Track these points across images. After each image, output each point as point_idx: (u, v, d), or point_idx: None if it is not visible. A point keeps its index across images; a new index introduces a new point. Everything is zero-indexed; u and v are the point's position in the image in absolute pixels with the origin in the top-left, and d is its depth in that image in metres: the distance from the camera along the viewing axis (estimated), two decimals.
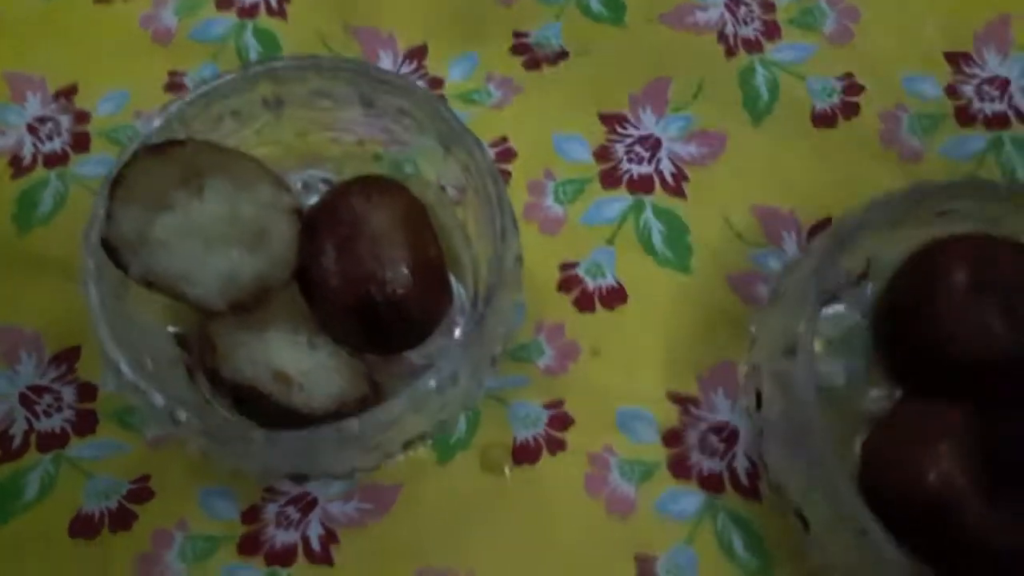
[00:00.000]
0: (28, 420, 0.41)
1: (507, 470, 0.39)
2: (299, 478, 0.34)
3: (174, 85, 0.46)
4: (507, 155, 0.45)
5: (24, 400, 0.41)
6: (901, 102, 0.45)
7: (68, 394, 0.41)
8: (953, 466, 0.31)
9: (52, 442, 0.40)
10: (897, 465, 0.32)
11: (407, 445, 0.35)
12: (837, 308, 0.38)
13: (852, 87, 0.46)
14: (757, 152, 0.44)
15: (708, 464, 0.39)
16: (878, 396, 0.38)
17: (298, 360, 0.36)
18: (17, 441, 0.40)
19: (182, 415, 0.32)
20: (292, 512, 0.39)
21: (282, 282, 0.36)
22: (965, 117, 0.45)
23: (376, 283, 0.35)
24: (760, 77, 0.46)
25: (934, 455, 0.31)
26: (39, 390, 0.41)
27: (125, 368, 0.33)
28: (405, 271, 0.36)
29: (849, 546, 0.31)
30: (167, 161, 0.34)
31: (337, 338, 0.37)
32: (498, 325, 0.35)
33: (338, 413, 0.34)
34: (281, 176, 0.36)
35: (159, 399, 0.32)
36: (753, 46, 0.46)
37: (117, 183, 0.34)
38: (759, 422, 0.35)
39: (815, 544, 0.33)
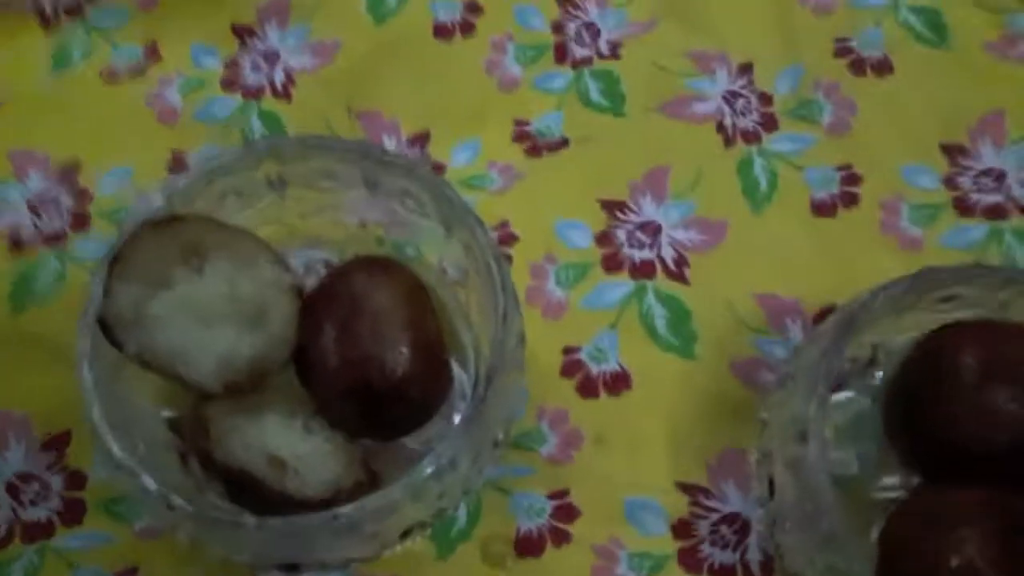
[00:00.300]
0: (13, 509, 0.39)
1: (509, 563, 0.38)
2: (291, 568, 0.33)
3: (177, 164, 0.47)
4: (509, 239, 0.45)
5: (11, 489, 0.40)
6: (900, 192, 0.45)
7: (56, 482, 0.40)
8: (974, 552, 0.30)
9: (37, 532, 0.39)
10: (916, 553, 0.31)
11: (405, 534, 0.34)
12: (846, 394, 0.38)
13: (851, 177, 0.46)
14: (758, 239, 0.44)
15: (720, 557, 0.38)
16: (891, 484, 0.37)
17: (293, 445, 0.35)
18: (1, 531, 0.39)
19: (174, 500, 0.31)
20: None
21: (280, 363, 0.35)
22: (964, 207, 0.45)
23: (375, 364, 0.35)
24: (759, 167, 0.46)
25: (954, 541, 0.30)
26: (27, 478, 0.40)
27: (118, 451, 0.32)
28: (405, 352, 0.35)
29: None
30: (168, 237, 0.34)
31: (334, 422, 0.36)
32: (500, 408, 0.35)
33: (333, 500, 0.33)
34: (282, 255, 0.36)
35: (151, 483, 0.31)
36: (751, 137, 0.47)
37: (117, 260, 0.33)
38: (772, 511, 0.34)
39: None
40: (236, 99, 0.49)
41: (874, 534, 0.35)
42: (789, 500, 0.32)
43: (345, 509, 0.31)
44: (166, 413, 0.38)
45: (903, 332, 0.38)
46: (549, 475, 0.39)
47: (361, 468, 0.35)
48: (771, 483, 0.34)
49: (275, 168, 0.38)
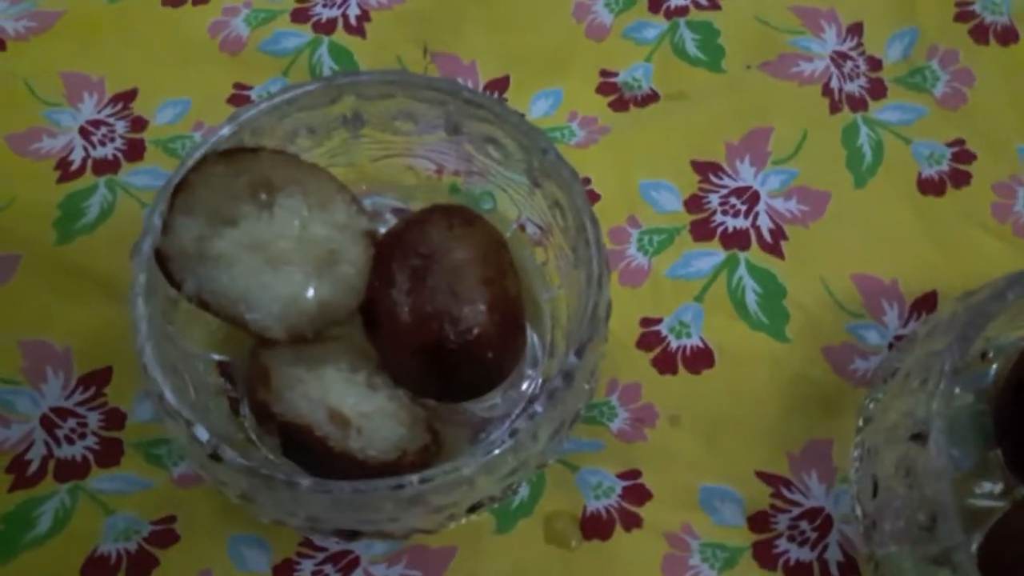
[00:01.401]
0: (48, 445, 0.37)
1: (575, 544, 0.35)
2: (348, 535, 0.31)
3: (239, 98, 0.44)
4: (589, 199, 0.41)
5: (46, 423, 0.37)
6: (1016, 174, 0.42)
7: (93, 420, 0.38)
8: None
9: (72, 471, 0.37)
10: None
11: (472, 509, 0.31)
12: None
13: (962, 154, 0.42)
14: (859, 215, 0.41)
15: (797, 554, 0.35)
16: (991, 491, 0.34)
17: (357, 401, 0.32)
18: (34, 467, 0.37)
19: (227, 453, 0.28)
20: (330, 572, 0.35)
21: (348, 312, 0.33)
22: None
23: (450, 320, 0.32)
24: (864, 136, 0.43)
25: None
26: (63, 413, 0.38)
27: (168, 394, 0.29)
28: (483, 310, 0.32)
29: None
30: (236, 170, 0.31)
31: (399, 380, 0.34)
32: (584, 380, 0.32)
33: (397, 463, 0.31)
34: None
35: (203, 432, 0.29)
36: (857, 103, 0.43)
37: (180, 190, 0.31)
38: (872, 513, 0.31)
39: None
40: (306, 32, 0.46)
41: (973, 545, 0.32)
42: (896, 505, 0.29)
43: (413, 479, 0.28)
44: (218, 357, 0.35)
45: (1016, 329, 0.35)
46: (619, 453, 0.37)
47: (427, 431, 0.33)
48: (875, 484, 0.31)
49: (353, 105, 0.35)
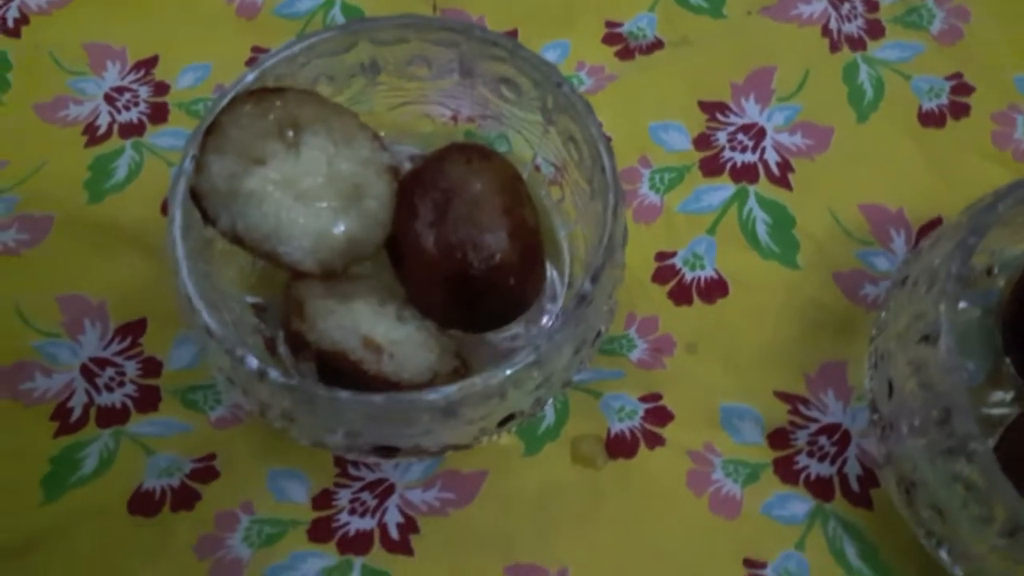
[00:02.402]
0: (88, 393, 0.38)
1: (600, 462, 0.36)
2: (386, 451, 0.32)
3: (257, 60, 0.45)
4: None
5: (85, 372, 0.39)
6: (1014, 102, 0.43)
7: (131, 369, 0.39)
8: None
9: (112, 417, 0.38)
10: None
11: (503, 422, 0.32)
12: (959, 304, 0.36)
13: (961, 87, 0.44)
14: (863, 148, 0.42)
15: (817, 468, 0.36)
16: (1002, 399, 0.35)
17: (387, 330, 0.34)
18: (76, 414, 0.38)
19: (272, 373, 0.30)
20: (367, 498, 0.36)
21: (375, 245, 0.34)
22: None
23: (473, 248, 0.33)
24: (864, 74, 0.44)
25: None
26: (101, 363, 0.39)
27: (214, 324, 0.31)
28: (503, 238, 0.34)
29: (997, 544, 0.28)
30: (264, 110, 0.32)
31: (425, 312, 0.35)
32: (603, 302, 0.33)
33: (429, 385, 0.32)
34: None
35: (251, 358, 0.30)
36: (856, 43, 0.45)
37: (211, 130, 0.32)
38: (888, 415, 0.32)
39: (955, 541, 0.30)
40: None
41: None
42: (912, 404, 0.31)
43: (448, 388, 0.29)
44: (251, 299, 0.36)
45: (1022, 243, 0.36)
46: (640, 379, 0.38)
47: (456, 357, 0.34)
48: (890, 387, 0.32)
49: (369, 51, 0.36)
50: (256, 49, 0.46)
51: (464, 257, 0.33)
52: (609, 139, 0.42)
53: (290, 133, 0.33)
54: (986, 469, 0.28)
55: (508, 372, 0.30)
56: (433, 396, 0.30)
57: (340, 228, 0.33)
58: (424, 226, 0.34)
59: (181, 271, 0.32)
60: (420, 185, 0.35)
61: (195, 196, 0.32)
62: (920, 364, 0.30)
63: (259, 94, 0.33)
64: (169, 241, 0.32)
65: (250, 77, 0.35)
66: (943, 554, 0.31)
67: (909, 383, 0.31)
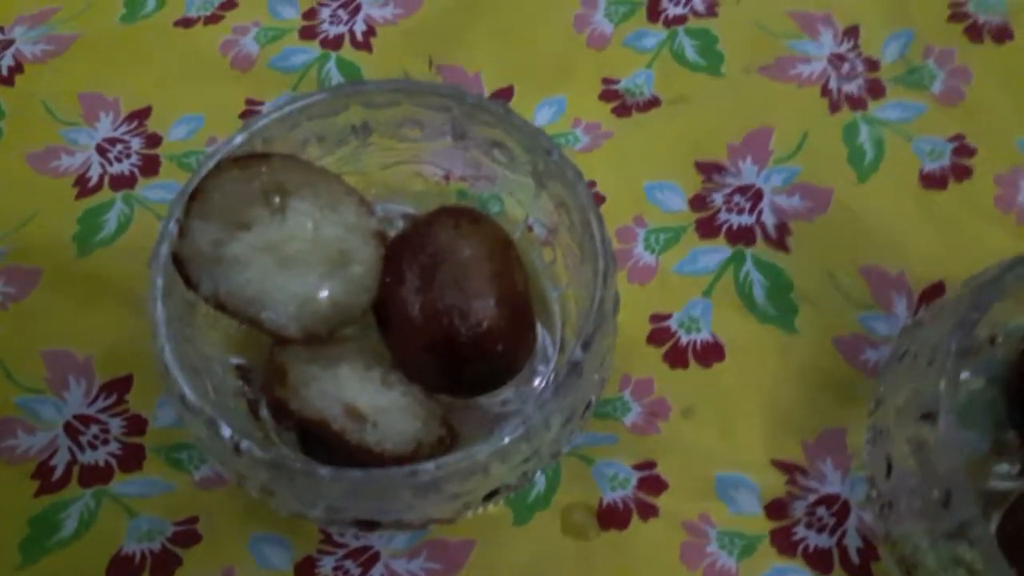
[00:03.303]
0: (71, 451, 0.38)
1: (592, 534, 0.35)
2: (367, 525, 0.31)
3: (250, 114, 0.45)
4: (595, 200, 0.42)
5: (69, 430, 0.38)
6: (1017, 165, 0.42)
7: (115, 426, 0.38)
8: None
9: (95, 476, 0.37)
10: None
11: (488, 497, 0.32)
12: (962, 374, 0.35)
13: (963, 149, 0.43)
14: (863, 210, 0.42)
15: (816, 540, 0.35)
16: (1007, 471, 0.34)
17: (372, 397, 0.33)
18: (58, 472, 0.37)
19: (246, 445, 0.29)
20: (351, 567, 0.35)
21: (361, 310, 0.33)
22: None
23: (459, 316, 0.33)
24: (864, 134, 0.43)
25: None
26: (86, 420, 0.38)
27: (189, 393, 0.30)
28: (491, 304, 0.33)
29: None
30: (249, 175, 0.32)
31: (413, 377, 0.34)
32: (594, 371, 0.32)
33: (414, 456, 0.31)
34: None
35: (225, 428, 0.29)
36: (857, 103, 0.44)
37: (195, 195, 0.32)
38: (887, 494, 0.31)
39: None
40: (314, 48, 0.47)
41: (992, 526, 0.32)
42: (910, 484, 0.30)
43: (429, 465, 0.29)
44: (236, 360, 0.36)
45: None
46: (634, 445, 0.37)
47: (442, 425, 0.33)
48: (888, 465, 0.31)
49: (361, 113, 0.36)
50: (250, 101, 0.45)
51: (451, 324, 0.33)
52: (599, 206, 0.42)
53: (276, 199, 0.32)
54: (987, 554, 0.27)
55: (493, 447, 0.29)
56: (414, 473, 0.29)
57: (324, 294, 0.33)
58: (410, 292, 0.33)
59: (159, 336, 0.31)
60: (408, 250, 0.34)
61: (177, 261, 0.31)
62: (919, 443, 0.30)
63: (244, 159, 0.32)
64: (149, 305, 0.32)
65: (238, 139, 0.34)
66: None
67: (908, 462, 0.30)
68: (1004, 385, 0.35)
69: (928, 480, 0.29)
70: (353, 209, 0.33)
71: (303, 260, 0.32)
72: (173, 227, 0.32)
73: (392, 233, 0.37)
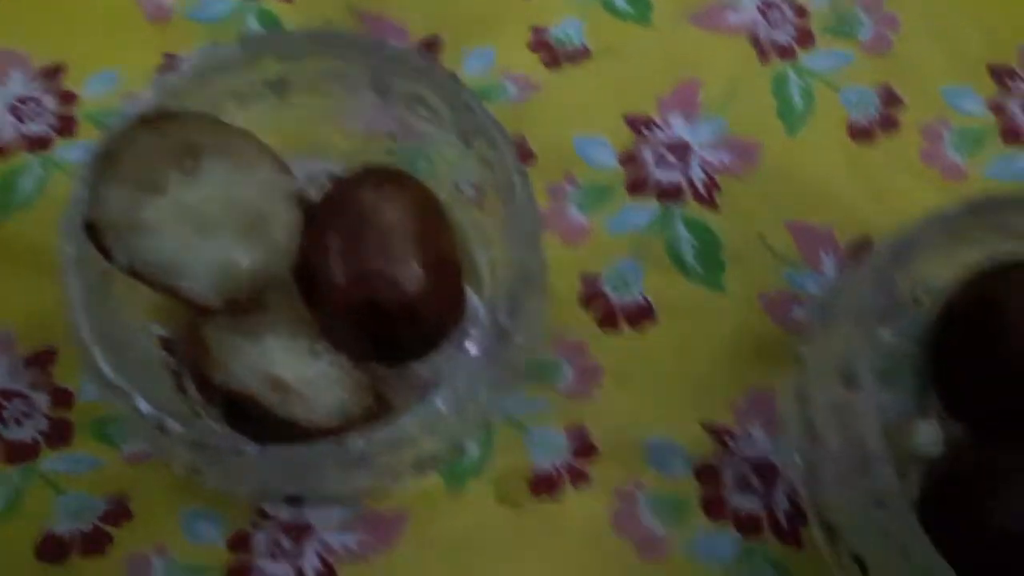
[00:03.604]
0: None
1: (524, 502, 0.35)
2: (296, 500, 0.31)
3: (169, 68, 0.43)
4: (524, 156, 0.42)
5: None
6: (943, 117, 0.43)
7: (42, 401, 0.37)
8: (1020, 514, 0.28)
9: (23, 453, 0.36)
10: (966, 507, 0.29)
11: (418, 467, 0.32)
12: (883, 336, 0.36)
13: (890, 99, 0.43)
14: (792, 164, 0.42)
15: (745, 504, 0.36)
16: (929, 431, 0.35)
17: (298, 368, 0.33)
18: None
19: (170, 424, 0.28)
20: (285, 541, 0.35)
21: (281, 276, 0.33)
22: (1011, 135, 0.42)
23: (384, 280, 0.32)
24: (794, 85, 0.43)
25: (1010, 497, 0.28)
26: (9, 395, 0.37)
27: (107, 370, 0.29)
28: (417, 268, 0.33)
29: None
30: (161, 136, 0.31)
31: (339, 345, 0.34)
32: (522, 336, 0.32)
33: (341, 427, 0.31)
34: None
35: (145, 406, 0.29)
36: (787, 52, 0.44)
37: (105, 160, 0.30)
38: (811, 459, 0.32)
39: None
40: None
41: (914, 489, 0.33)
42: (833, 448, 0.30)
43: (356, 439, 0.28)
44: (159, 331, 0.35)
45: (949, 269, 0.35)
46: (567, 410, 0.37)
47: (371, 394, 0.33)
48: (812, 428, 0.32)
49: (276, 67, 0.35)
50: (168, 55, 0.44)
51: (374, 290, 0.32)
52: (530, 162, 0.41)
53: (189, 160, 0.31)
54: (904, 522, 0.28)
55: (420, 417, 0.29)
56: (342, 446, 0.29)
57: (243, 259, 0.32)
58: (333, 256, 0.33)
59: (74, 309, 0.30)
60: (330, 212, 0.34)
61: (89, 229, 0.30)
62: (839, 407, 0.30)
63: (155, 120, 0.31)
64: (62, 276, 0.31)
65: (148, 98, 0.33)
66: None
67: (829, 427, 0.31)
68: (925, 345, 0.35)
69: (848, 446, 0.29)
70: (269, 170, 0.32)
71: (220, 225, 0.32)
72: (83, 193, 0.31)
73: (314, 194, 0.36)
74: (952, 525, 0.30)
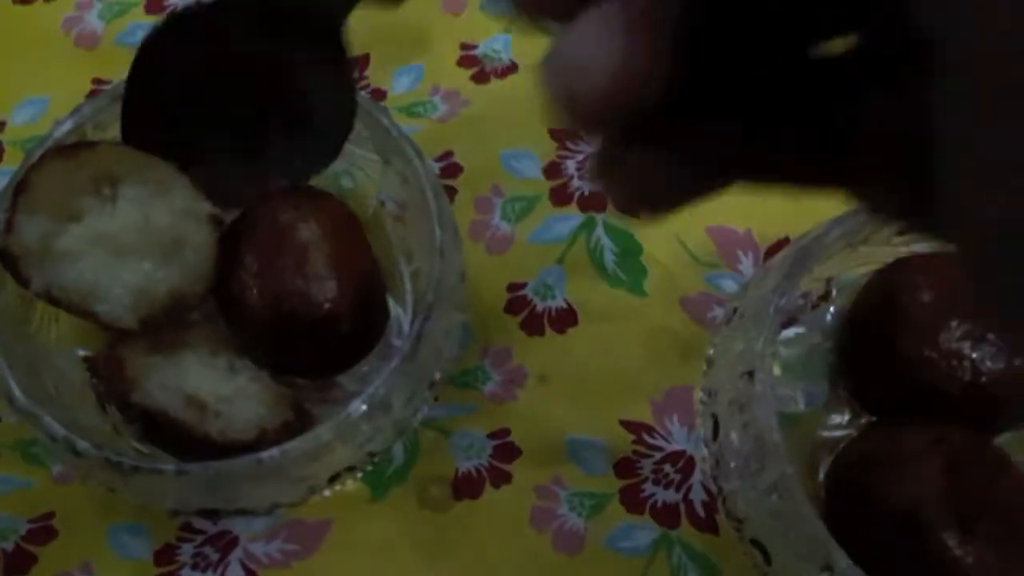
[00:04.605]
0: None
1: (446, 506, 0.36)
2: (213, 514, 0.31)
3: (99, 93, 0.43)
4: (452, 170, 0.42)
5: None
6: None
7: None
8: (924, 492, 0.29)
9: None
10: (865, 493, 0.30)
11: (334, 479, 0.32)
12: (796, 330, 0.37)
13: None
14: None
15: (663, 496, 0.36)
16: (840, 422, 0.36)
17: (216, 385, 0.33)
18: None
19: (81, 445, 0.29)
20: (210, 552, 0.35)
21: (198, 297, 0.33)
22: None
23: (299, 297, 0.33)
24: None
25: (905, 482, 0.29)
26: None
27: (18, 393, 0.30)
28: (333, 285, 0.33)
29: None
30: (77, 165, 0.31)
31: (259, 360, 0.34)
32: (437, 347, 0.33)
33: (258, 443, 0.31)
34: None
35: (57, 428, 0.29)
36: None
37: (20, 188, 0.31)
38: (716, 452, 0.33)
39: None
40: None
41: (821, 474, 0.34)
42: (734, 441, 0.31)
43: (268, 453, 0.29)
44: (82, 352, 0.35)
45: (857, 266, 0.36)
46: (490, 414, 0.38)
47: (289, 408, 0.33)
48: (716, 422, 0.33)
49: None
50: (97, 80, 0.44)
51: (291, 308, 0.33)
52: (458, 176, 0.42)
53: (106, 188, 0.32)
54: (799, 513, 0.28)
55: (334, 428, 0.30)
56: (258, 461, 0.29)
57: (161, 282, 0.32)
58: (249, 276, 0.33)
59: None
60: (246, 231, 0.34)
61: (5, 259, 0.31)
62: (742, 401, 0.31)
63: (71, 149, 0.31)
64: None
65: (66, 127, 0.34)
66: None
67: (732, 420, 0.31)
68: (834, 339, 0.36)
69: (748, 439, 0.30)
70: (184, 194, 0.33)
71: (136, 249, 0.32)
72: (1, 221, 0.31)
73: (236, 214, 0.36)
74: (850, 507, 0.30)
